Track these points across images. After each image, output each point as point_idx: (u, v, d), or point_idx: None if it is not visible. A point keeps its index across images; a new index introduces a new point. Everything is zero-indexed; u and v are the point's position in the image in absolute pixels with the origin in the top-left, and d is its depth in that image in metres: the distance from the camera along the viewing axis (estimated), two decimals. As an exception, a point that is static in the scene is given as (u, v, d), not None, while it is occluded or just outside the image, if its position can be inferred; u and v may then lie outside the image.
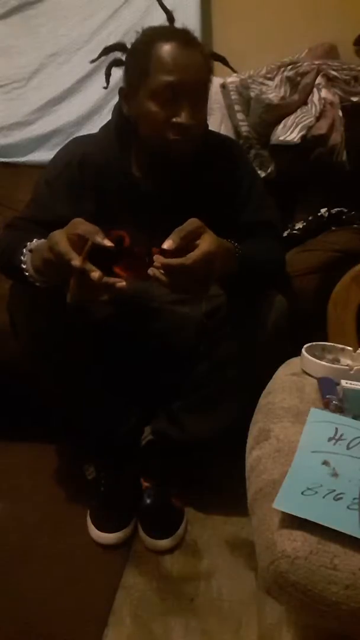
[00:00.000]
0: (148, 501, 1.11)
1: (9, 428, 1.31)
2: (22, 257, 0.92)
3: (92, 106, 1.71)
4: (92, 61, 1.10)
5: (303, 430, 0.67)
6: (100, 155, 1.07)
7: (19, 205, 1.35)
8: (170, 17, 1.07)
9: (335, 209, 1.33)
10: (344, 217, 1.33)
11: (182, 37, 0.98)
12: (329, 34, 1.58)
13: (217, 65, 1.08)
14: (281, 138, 1.40)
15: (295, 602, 0.53)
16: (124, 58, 1.05)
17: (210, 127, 1.11)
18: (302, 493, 0.56)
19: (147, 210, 1.06)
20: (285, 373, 0.85)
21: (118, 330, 1.08)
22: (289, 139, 1.39)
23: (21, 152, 1.73)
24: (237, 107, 1.52)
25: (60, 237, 0.81)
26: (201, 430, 1.10)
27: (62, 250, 0.80)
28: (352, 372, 0.80)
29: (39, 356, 1.02)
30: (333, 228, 1.33)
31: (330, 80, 1.46)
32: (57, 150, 1.14)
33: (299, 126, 1.40)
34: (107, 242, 0.82)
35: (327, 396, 0.74)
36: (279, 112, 1.44)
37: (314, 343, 0.88)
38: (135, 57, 1.01)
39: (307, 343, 0.87)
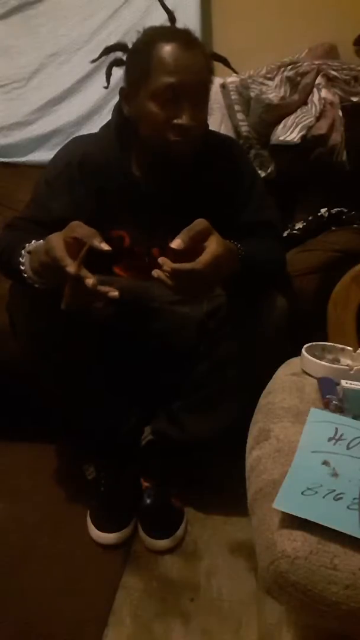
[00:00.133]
0: (148, 501, 1.11)
1: (9, 428, 1.31)
2: (21, 259, 0.91)
3: (92, 106, 1.71)
4: (93, 61, 1.10)
5: (303, 430, 0.67)
6: (101, 155, 1.07)
7: (19, 205, 1.35)
8: (171, 17, 1.07)
9: (335, 209, 1.33)
10: (344, 217, 1.33)
11: (184, 37, 0.98)
12: (329, 34, 1.58)
13: (217, 65, 1.07)
14: (281, 138, 1.40)
15: (295, 602, 0.53)
16: (124, 58, 1.05)
17: (210, 127, 1.10)
18: (302, 493, 0.56)
19: (147, 210, 1.06)
20: (285, 373, 0.85)
21: (118, 330, 1.08)
22: (289, 139, 1.39)
23: (21, 152, 1.73)
24: (237, 107, 1.52)
25: (56, 242, 0.81)
26: (201, 430, 1.10)
27: (58, 256, 0.79)
28: (352, 372, 0.80)
29: (39, 356, 1.02)
30: (333, 228, 1.33)
31: (330, 80, 1.46)
32: (57, 150, 1.14)
33: (299, 126, 1.40)
34: (105, 246, 0.81)
35: (327, 396, 0.74)
36: (279, 112, 1.44)
37: (314, 343, 0.88)
38: (136, 57, 1.01)
39: (307, 343, 0.87)
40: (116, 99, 1.08)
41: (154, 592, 0.98)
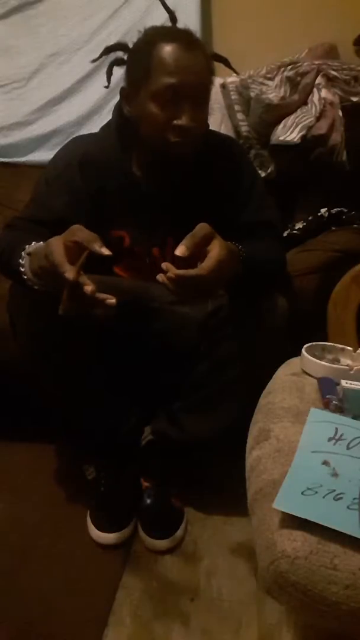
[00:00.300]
0: (148, 501, 1.11)
1: (9, 428, 1.31)
2: (21, 260, 0.91)
3: (92, 106, 1.71)
4: (93, 61, 1.10)
5: (303, 430, 0.67)
6: (101, 155, 1.07)
7: (19, 205, 1.35)
8: (172, 17, 1.07)
9: (335, 209, 1.33)
10: (344, 217, 1.33)
11: (184, 38, 0.98)
12: (329, 34, 1.58)
13: (218, 65, 1.08)
14: (281, 138, 1.40)
15: (295, 602, 0.53)
16: (125, 57, 1.05)
17: (210, 127, 1.10)
18: (302, 493, 0.56)
19: (147, 210, 1.06)
20: (285, 373, 0.85)
21: (118, 330, 1.08)
22: (289, 139, 1.39)
23: (21, 152, 1.73)
24: (237, 107, 1.52)
25: (56, 246, 0.80)
26: (201, 430, 1.10)
27: (57, 261, 0.78)
28: (352, 372, 0.80)
29: (39, 356, 1.02)
30: (333, 228, 1.33)
31: (330, 80, 1.46)
32: (57, 150, 1.13)
33: (299, 126, 1.40)
34: (106, 251, 0.80)
35: (327, 396, 0.74)
36: (279, 112, 1.44)
37: (314, 343, 0.88)
38: (137, 58, 1.00)
39: (307, 343, 0.87)
40: (116, 99, 1.08)
41: (154, 592, 0.98)
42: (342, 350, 0.89)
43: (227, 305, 1.05)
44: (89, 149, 1.08)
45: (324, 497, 0.55)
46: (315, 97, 1.44)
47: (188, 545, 1.08)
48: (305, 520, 0.53)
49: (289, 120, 1.42)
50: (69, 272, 0.77)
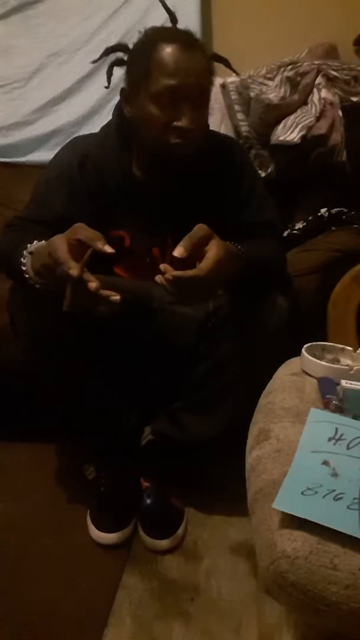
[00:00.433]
0: (148, 501, 1.11)
1: (9, 428, 1.31)
2: (22, 259, 0.91)
3: (92, 106, 1.71)
4: (94, 61, 1.10)
5: (303, 430, 0.67)
6: (101, 155, 1.07)
7: (19, 205, 1.35)
8: (172, 17, 1.07)
9: (335, 209, 1.33)
10: (344, 217, 1.33)
11: (184, 39, 0.98)
12: (329, 34, 1.58)
13: (218, 65, 1.07)
14: (281, 138, 1.40)
15: (295, 602, 0.53)
16: (125, 58, 1.05)
17: (210, 127, 1.10)
18: (302, 493, 0.56)
19: (147, 210, 1.06)
20: (285, 373, 0.85)
21: (118, 330, 1.08)
22: (289, 139, 1.39)
23: (21, 152, 1.73)
24: (237, 107, 1.52)
25: (60, 244, 0.81)
26: (201, 430, 1.10)
27: (61, 258, 0.79)
28: (352, 372, 0.80)
29: (39, 356, 1.02)
30: (333, 228, 1.33)
31: (330, 80, 1.46)
32: (57, 150, 1.14)
33: (299, 126, 1.40)
34: (109, 249, 0.81)
35: (327, 396, 0.74)
36: (279, 112, 1.44)
37: (314, 343, 0.88)
38: (137, 58, 1.00)
39: (307, 343, 0.87)
40: (116, 99, 1.08)
41: (154, 592, 0.98)
42: (342, 350, 0.89)
43: (227, 305, 1.05)
44: (89, 149, 1.08)
45: (324, 497, 0.55)
46: (315, 97, 1.44)
47: (188, 545, 1.08)
48: (305, 520, 0.53)
49: (289, 120, 1.42)
50: (74, 269, 0.77)
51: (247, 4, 1.68)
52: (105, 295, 0.80)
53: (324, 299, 1.10)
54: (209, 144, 1.06)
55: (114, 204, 1.07)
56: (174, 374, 1.11)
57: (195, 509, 1.15)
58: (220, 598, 0.97)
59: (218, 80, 1.51)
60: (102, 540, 1.07)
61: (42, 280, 0.90)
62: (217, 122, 1.52)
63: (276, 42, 1.62)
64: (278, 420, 0.71)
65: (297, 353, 0.86)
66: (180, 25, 1.05)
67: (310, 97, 1.45)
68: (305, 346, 0.86)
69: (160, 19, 1.10)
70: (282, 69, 1.50)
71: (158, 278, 0.83)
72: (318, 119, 1.40)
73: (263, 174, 1.45)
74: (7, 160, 1.72)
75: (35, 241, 0.91)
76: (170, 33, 1.02)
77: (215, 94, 1.53)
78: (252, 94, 1.48)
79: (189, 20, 1.57)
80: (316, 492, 0.56)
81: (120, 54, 1.06)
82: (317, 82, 1.46)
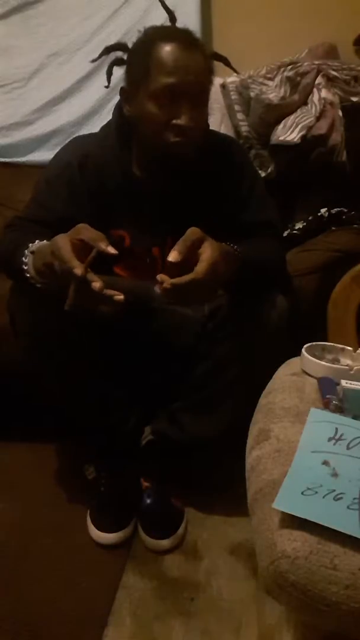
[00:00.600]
0: (148, 501, 1.11)
1: (9, 428, 1.31)
2: (24, 259, 0.91)
3: (92, 106, 1.71)
4: (93, 61, 1.10)
5: (303, 430, 0.67)
6: (101, 155, 1.07)
7: (19, 205, 1.35)
8: (172, 17, 1.07)
9: (335, 209, 1.33)
10: (344, 217, 1.33)
11: (184, 38, 0.98)
12: (329, 34, 1.58)
13: (218, 65, 1.07)
14: (281, 138, 1.40)
15: (295, 602, 0.53)
16: (125, 57, 1.05)
17: (210, 127, 1.10)
18: (302, 493, 0.56)
19: (147, 210, 1.06)
20: (285, 373, 0.85)
21: (118, 330, 1.08)
22: (289, 139, 1.39)
23: (21, 152, 1.73)
24: (237, 107, 1.52)
25: (63, 243, 0.81)
26: (201, 430, 1.10)
27: (65, 257, 0.79)
28: (352, 372, 0.80)
29: (40, 356, 1.02)
30: (333, 228, 1.33)
31: (330, 80, 1.46)
32: (57, 150, 1.13)
33: (299, 126, 1.40)
34: (111, 250, 0.81)
35: (327, 396, 0.74)
36: (279, 112, 1.44)
37: (314, 343, 0.88)
38: (136, 57, 1.00)
39: (307, 343, 0.87)
40: (116, 98, 1.08)
41: (154, 592, 0.98)
42: (342, 350, 0.89)
43: (227, 305, 1.05)
44: (89, 149, 1.08)
45: (324, 497, 0.55)
46: (315, 97, 1.44)
47: (188, 545, 1.08)
48: (305, 520, 0.53)
49: (289, 120, 1.42)
50: (78, 268, 0.78)
51: (247, 4, 1.68)
52: (109, 295, 0.80)
53: (324, 299, 1.10)
54: (209, 143, 1.06)
55: (114, 203, 1.07)
56: (174, 374, 1.11)
57: (195, 509, 1.15)
58: (220, 598, 0.97)
59: (218, 80, 1.51)
60: (102, 540, 1.07)
61: (43, 280, 0.90)
62: (217, 122, 1.52)
63: (276, 42, 1.62)
64: (278, 420, 0.72)
65: (297, 353, 0.86)
66: (180, 25, 1.05)
67: (310, 97, 1.45)
68: (305, 346, 0.86)
69: (160, 18, 1.10)
70: (282, 69, 1.50)
71: (157, 288, 0.83)
72: (318, 119, 1.40)
73: (263, 174, 1.45)
74: (7, 160, 1.73)
75: (37, 241, 0.92)
76: (170, 32, 1.02)
77: (215, 93, 1.53)
78: (252, 94, 1.48)
79: (189, 20, 1.57)
80: (316, 492, 0.56)
81: (119, 54, 1.06)
82: (317, 82, 1.46)
